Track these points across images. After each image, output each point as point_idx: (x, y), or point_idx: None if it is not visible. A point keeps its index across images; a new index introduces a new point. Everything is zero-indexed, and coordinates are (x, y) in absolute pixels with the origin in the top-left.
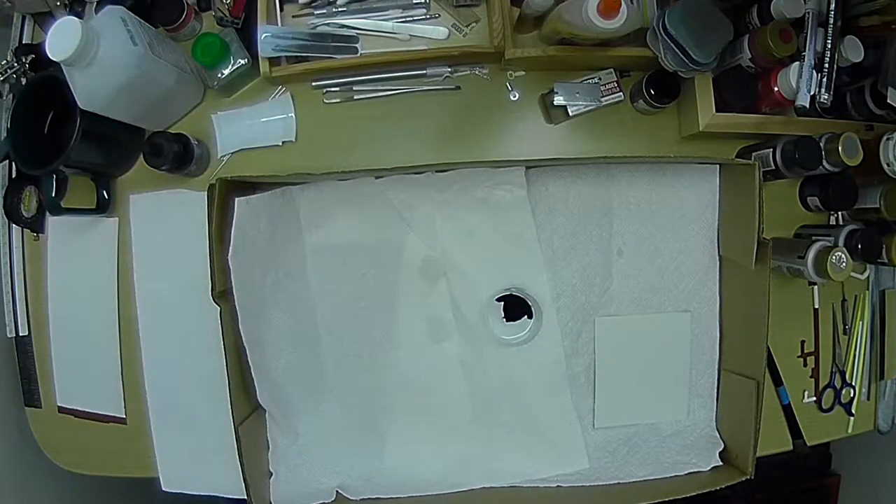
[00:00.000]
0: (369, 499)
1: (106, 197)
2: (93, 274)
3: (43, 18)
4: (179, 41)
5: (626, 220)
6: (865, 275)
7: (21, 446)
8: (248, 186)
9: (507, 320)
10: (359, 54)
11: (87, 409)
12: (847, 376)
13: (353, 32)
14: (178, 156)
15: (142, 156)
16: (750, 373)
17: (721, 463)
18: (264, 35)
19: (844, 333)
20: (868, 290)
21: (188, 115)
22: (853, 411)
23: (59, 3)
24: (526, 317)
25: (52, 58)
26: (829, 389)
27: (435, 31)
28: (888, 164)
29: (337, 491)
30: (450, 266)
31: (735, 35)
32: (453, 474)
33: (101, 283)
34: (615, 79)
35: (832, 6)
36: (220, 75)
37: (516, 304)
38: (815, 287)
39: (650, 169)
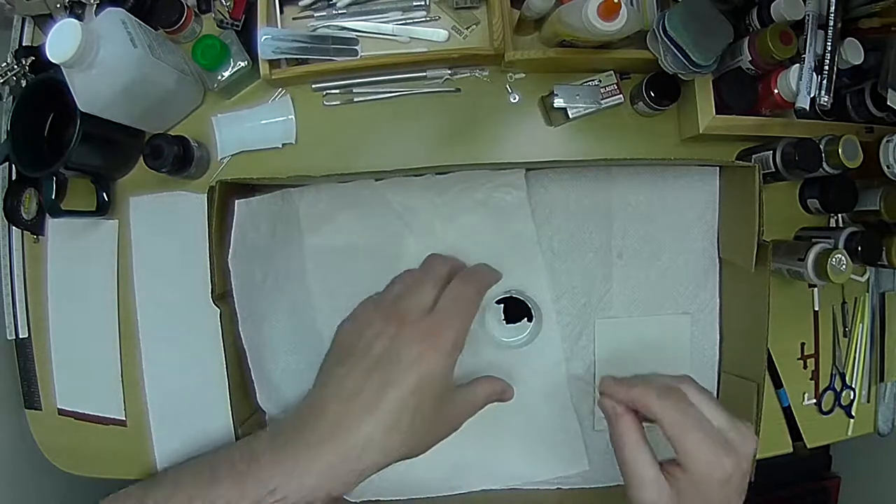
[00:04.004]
0: (369, 500)
1: (106, 199)
2: (93, 276)
3: (43, 20)
4: (179, 43)
5: (626, 222)
6: (865, 277)
7: (21, 448)
8: (247, 188)
9: (507, 322)
10: (359, 56)
11: (87, 412)
12: (847, 378)
13: (353, 35)
14: (177, 158)
15: (142, 158)
16: (750, 375)
17: None
18: (264, 37)
19: (844, 336)
20: (868, 292)
21: (188, 118)
22: (853, 413)
23: (59, 6)
24: (526, 319)
25: (51, 60)
26: (829, 392)
27: (435, 34)
28: (888, 167)
29: None
30: None
31: (735, 37)
32: (453, 476)
33: (101, 286)
34: (615, 81)
35: (832, 8)
36: (220, 77)
37: (516, 307)
38: (815, 289)
39: (650, 171)
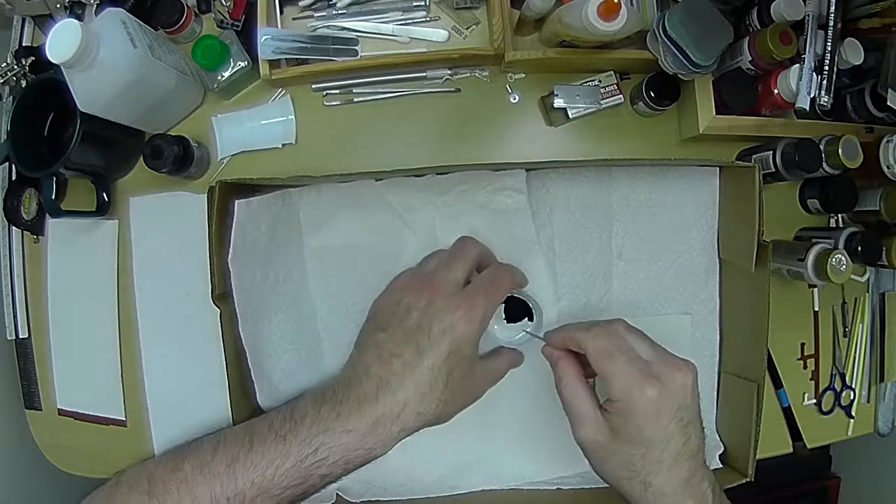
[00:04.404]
0: (369, 501)
1: (106, 199)
2: (93, 276)
3: (43, 21)
4: (179, 43)
5: (627, 222)
6: (865, 277)
7: (21, 448)
8: (247, 189)
9: (508, 322)
10: (359, 57)
11: (87, 412)
12: (847, 379)
13: (353, 35)
14: (178, 158)
15: (142, 158)
16: (750, 375)
17: (721, 465)
18: (264, 37)
19: (844, 336)
20: (868, 292)
21: (188, 118)
22: (853, 414)
23: (59, 6)
24: (526, 318)
25: (51, 60)
26: (829, 392)
27: (435, 34)
28: (888, 167)
29: (336, 493)
30: None
31: (735, 37)
32: (453, 477)
33: (101, 286)
34: (615, 81)
35: (832, 9)
36: (220, 78)
37: (516, 307)
38: (815, 289)
39: (650, 171)
